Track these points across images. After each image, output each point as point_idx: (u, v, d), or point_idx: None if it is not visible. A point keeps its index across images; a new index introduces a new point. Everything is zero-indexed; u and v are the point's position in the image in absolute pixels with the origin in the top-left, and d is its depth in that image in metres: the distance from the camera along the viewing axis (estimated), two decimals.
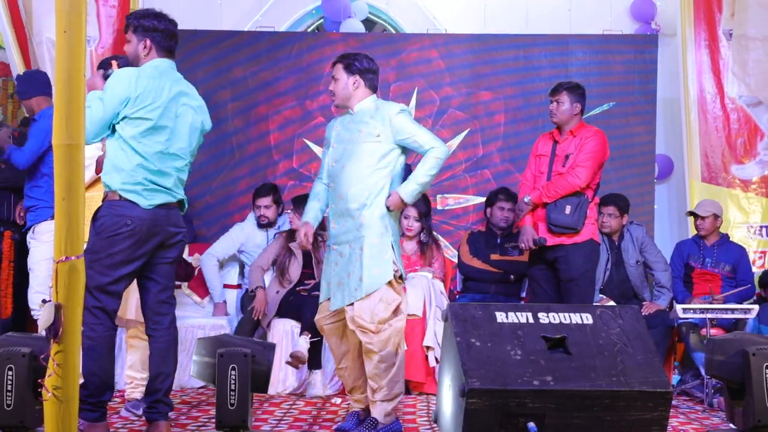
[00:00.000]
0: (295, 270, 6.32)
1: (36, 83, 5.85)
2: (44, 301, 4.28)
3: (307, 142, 7.36)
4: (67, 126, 2.97)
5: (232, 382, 3.97)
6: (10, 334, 4.19)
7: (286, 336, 6.08)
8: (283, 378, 6.00)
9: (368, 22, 8.09)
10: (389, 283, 4.48)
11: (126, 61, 4.38)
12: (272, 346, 4.26)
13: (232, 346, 4.08)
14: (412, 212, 6.36)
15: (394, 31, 7.96)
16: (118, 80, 4.19)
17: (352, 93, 4.64)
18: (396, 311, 4.54)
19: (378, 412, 4.52)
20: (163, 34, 4.34)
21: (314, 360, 5.94)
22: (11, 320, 6.16)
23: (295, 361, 5.80)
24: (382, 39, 7.69)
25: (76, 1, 2.90)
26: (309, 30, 8.04)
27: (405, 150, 4.63)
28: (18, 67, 6.75)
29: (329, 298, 4.61)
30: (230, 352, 4.01)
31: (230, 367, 3.98)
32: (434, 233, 6.72)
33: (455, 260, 7.01)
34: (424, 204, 6.43)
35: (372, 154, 4.55)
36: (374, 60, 4.76)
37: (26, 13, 6.74)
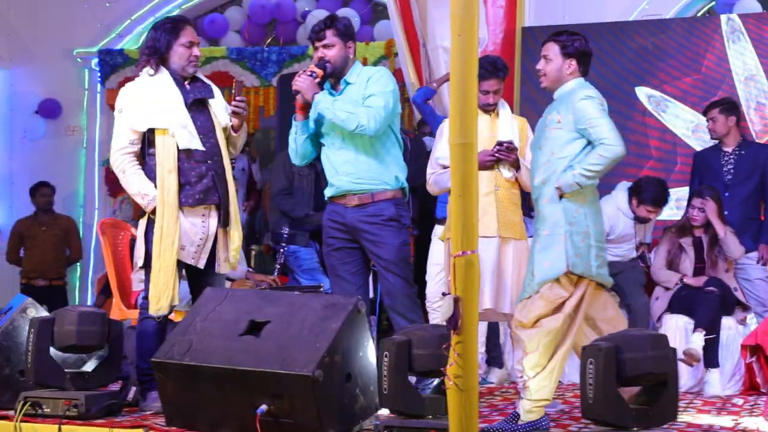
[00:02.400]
0: (686, 266, 6.13)
1: None
2: (444, 294, 4.51)
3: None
4: (461, 126, 3.09)
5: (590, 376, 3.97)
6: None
7: (678, 332, 5.90)
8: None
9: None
10: (557, 279, 4.14)
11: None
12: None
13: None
14: None
15: None
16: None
17: (565, 76, 4.34)
18: (557, 309, 4.16)
19: (521, 407, 4.18)
20: None
21: (710, 358, 5.73)
22: None
23: (688, 358, 5.61)
24: None
25: (470, 4, 3.01)
26: (699, 14, 7.71)
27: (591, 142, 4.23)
28: (409, 74, 7.09)
29: None
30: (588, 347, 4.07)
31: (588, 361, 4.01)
32: None
33: None
34: None
35: (554, 141, 4.27)
36: (588, 40, 4.40)
37: (421, 21, 7.03)
